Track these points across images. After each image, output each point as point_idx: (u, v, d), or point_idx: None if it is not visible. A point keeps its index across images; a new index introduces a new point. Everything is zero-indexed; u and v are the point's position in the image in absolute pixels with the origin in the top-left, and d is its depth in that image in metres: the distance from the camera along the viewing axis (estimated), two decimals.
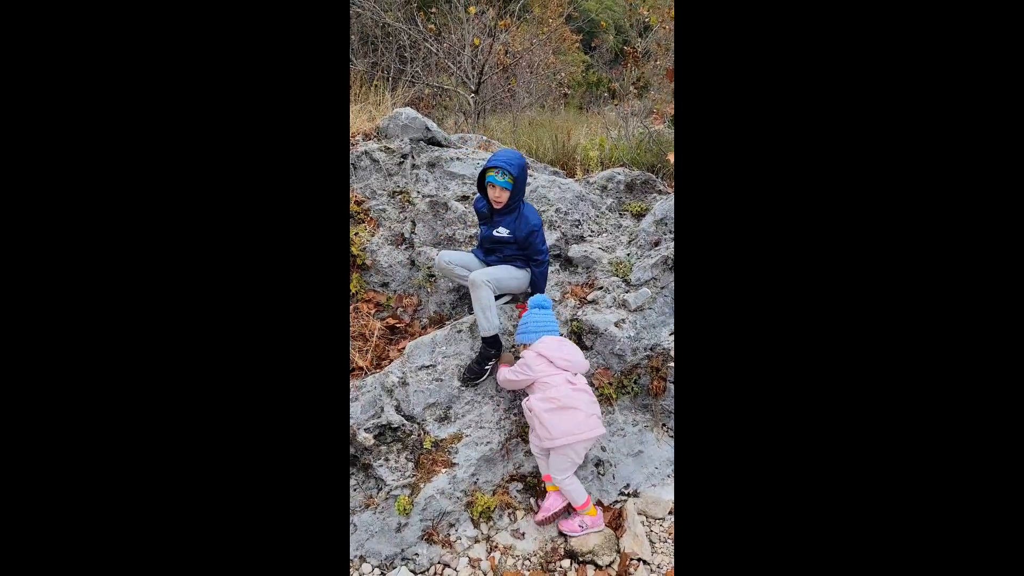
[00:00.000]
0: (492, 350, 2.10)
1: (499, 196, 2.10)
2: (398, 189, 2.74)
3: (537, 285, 2.25)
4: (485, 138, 3.53)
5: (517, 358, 2.19)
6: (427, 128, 2.93)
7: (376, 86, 3.99)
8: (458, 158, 2.87)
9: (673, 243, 2.39)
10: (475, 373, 2.10)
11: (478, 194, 2.21)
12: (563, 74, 6.83)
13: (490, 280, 2.07)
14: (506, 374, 2.02)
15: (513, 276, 2.18)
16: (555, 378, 1.90)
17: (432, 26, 5.25)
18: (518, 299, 2.39)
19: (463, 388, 2.13)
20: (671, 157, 2.42)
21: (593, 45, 8.14)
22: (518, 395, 2.16)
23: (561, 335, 2.09)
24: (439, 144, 2.98)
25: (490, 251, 2.22)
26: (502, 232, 2.14)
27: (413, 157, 2.84)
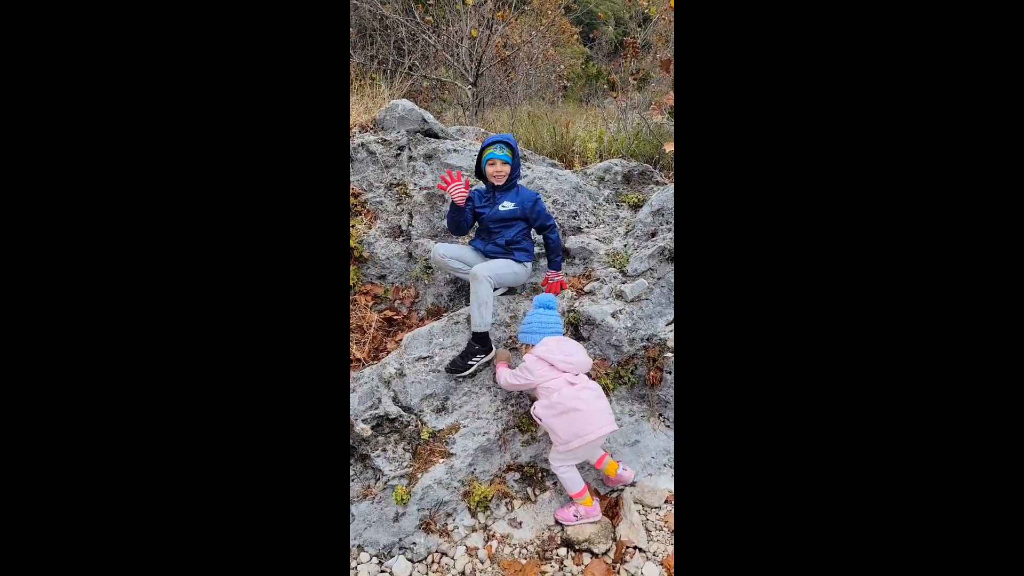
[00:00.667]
0: (478, 346, 2.09)
1: (500, 170, 2.15)
2: (395, 181, 2.74)
3: (556, 250, 2.28)
4: (483, 130, 3.52)
5: (514, 349, 2.20)
6: (424, 120, 2.92)
7: (373, 78, 3.98)
8: (455, 150, 2.86)
9: (670, 234, 2.38)
10: (459, 367, 2.09)
11: (475, 188, 2.22)
12: (562, 66, 6.80)
13: (491, 276, 2.07)
14: (507, 376, 1.99)
15: (513, 271, 2.19)
16: (556, 382, 1.87)
17: (430, 18, 5.22)
18: (515, 291, 2.39)
19: (460, 379, 2.13)
20: (668, 147, 2.41)
21: (592, 37, 8.10)
22: None
23: (564, 333, 2.08)
24: (436, 136, 2.97)
25: (492, 235, 2.20)
26: (507, 205, 2.16)
27: (410, 149, 2.83)
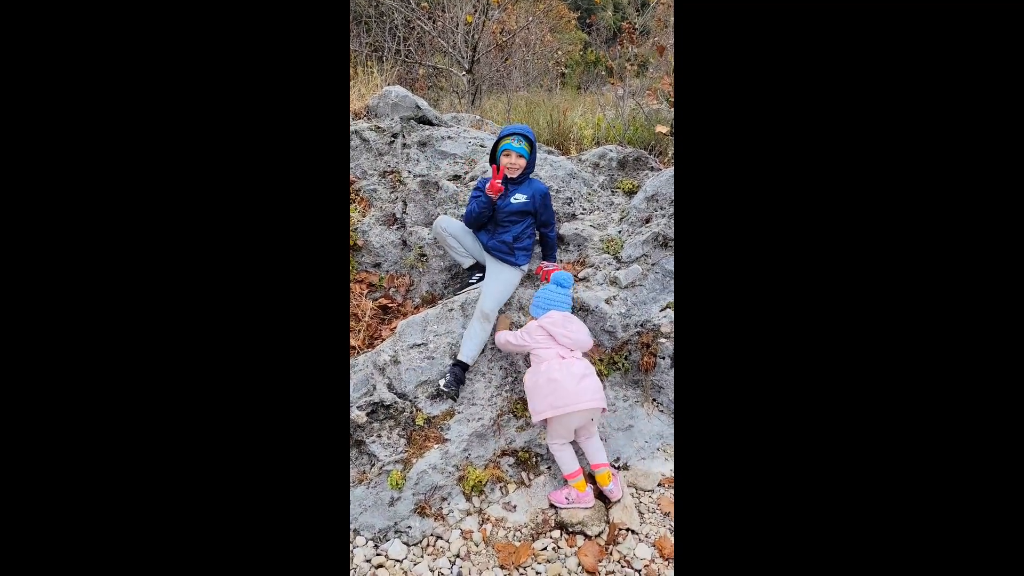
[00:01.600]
0: (458, 369, 2.08)
1: (515, 163, 2.14)
2: (389, 169, 2.73)
3: (552, 247, 2.32)
4: (478, 117, 3.50)
5: (517, 325, 2.21)
6: (417, 106, 2.90)
7: (368, 66, 3.94)
8: (450, 137, 2.85)
9: (664, 220, 2.38)
10: (451, 393, 2.09)
11: (483, 178, 2.20)
12: (559, 52, 6.72)
13: (499, 309, 2.15)
14: (506, 335, 2.06)
15: (512, 285, 2.23)
16: (547, 352, 1.92)
17: (425, 4, 5.15)
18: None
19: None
20: (660, 129, 2.39)
21: (589, 22, 7.99)
22: (510, 372, 2.18)
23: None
24: (430, 123, 2.95)
25: (500, 228, 2.19)
26: (520, 198, 2.16)
27: (404, 136, 2.82)
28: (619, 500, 1.91)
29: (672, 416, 2.19)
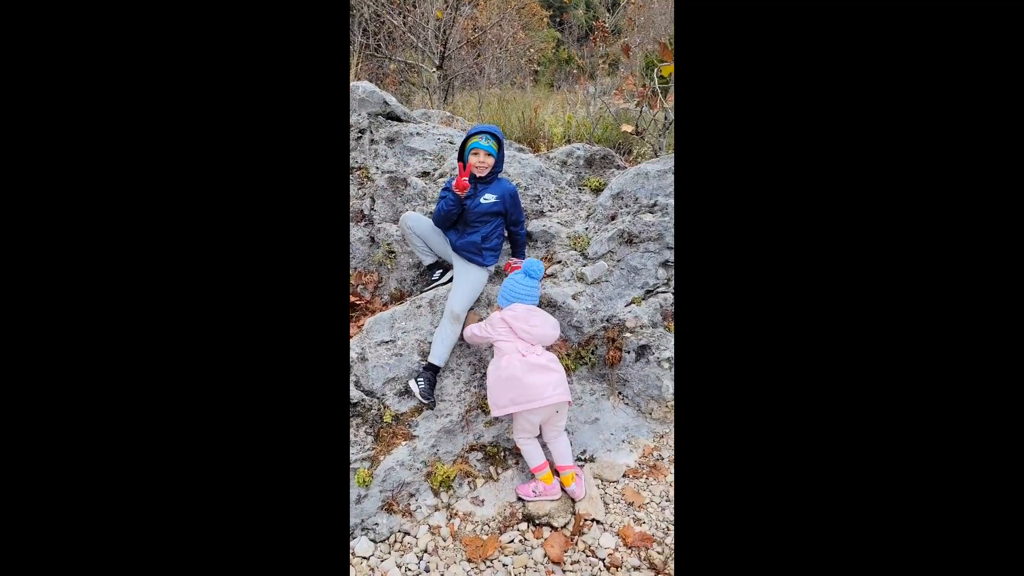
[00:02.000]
0: (430, 373, 2.08)
1: (484, 161, 2.14)
2: (356, 165, 2.70)
3: (521, 245, 2.35)
4: (449, 114, 3.49)
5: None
6: (385, 102, 2.88)
7: None
8: (418, 133, 2.83)
9: (628, 217, 2.43)
10: (425, 395, 2.07)
11: (444, 194, 2.20)
12: (532, 50, 6.75)
13: (469, 308, 2.14)
14: (473, 328, 2.07)
15: (481, 283, 2.23)
16: (508, 345, 1.93)
17: None
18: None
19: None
20: (625, 128, 2.44)
21: (560, 20, 8.03)
22: (478, 368, 2.19)
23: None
24: (399, 119, 2.93)
25: (469, 228, 2.19)
26: (489, 198, 2.16)
27: (371, 132, 2.79)
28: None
29: (636, 409, 2.24)
